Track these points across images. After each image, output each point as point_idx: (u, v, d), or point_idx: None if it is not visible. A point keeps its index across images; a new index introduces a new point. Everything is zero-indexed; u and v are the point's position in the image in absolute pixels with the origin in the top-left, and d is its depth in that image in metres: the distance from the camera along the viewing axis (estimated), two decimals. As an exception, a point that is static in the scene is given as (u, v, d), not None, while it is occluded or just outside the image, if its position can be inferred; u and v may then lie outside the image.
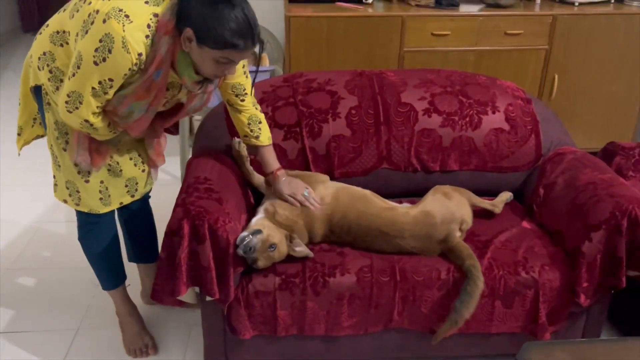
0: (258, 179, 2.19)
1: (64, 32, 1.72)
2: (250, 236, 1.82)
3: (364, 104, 2.29)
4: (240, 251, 1.80)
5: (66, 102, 1.66)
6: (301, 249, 1.93)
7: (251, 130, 2.00)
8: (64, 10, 1.76)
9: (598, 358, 1.28)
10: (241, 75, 1.91)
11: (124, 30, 1.54)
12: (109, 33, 1.55)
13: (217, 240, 1.79)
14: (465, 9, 3.31)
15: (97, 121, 1.70)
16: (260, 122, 2.01)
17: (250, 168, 2.19)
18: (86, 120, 1.68)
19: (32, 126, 2.01)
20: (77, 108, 1.65)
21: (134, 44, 1.56)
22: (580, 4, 3.34)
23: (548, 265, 1.95)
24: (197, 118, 3.72)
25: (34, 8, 6.52)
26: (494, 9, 3.28)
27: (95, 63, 1.58)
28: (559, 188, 2.12)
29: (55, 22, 1.77)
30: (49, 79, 1.78)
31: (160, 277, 1.84)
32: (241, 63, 1.87)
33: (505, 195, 2.26)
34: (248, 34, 1.58)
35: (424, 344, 2.00)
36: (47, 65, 1.77)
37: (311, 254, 1.94)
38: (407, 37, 3.19)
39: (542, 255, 1.99)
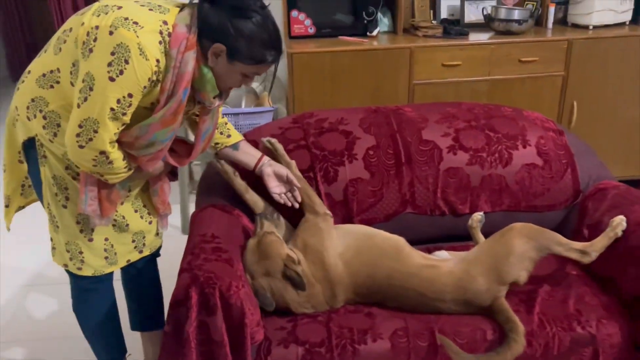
0: (252, 195, 1.97)
1: (51, 71, 1.54)
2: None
3: (382, 143, 2.09)
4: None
5: (77, 135, 1.46)
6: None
7: (221, 133, 1.89)
8: (45, 51, 1.59)
9: None
10: None
11: (137, 37, 1.40)
12: (121, 43, 1.39)
13: (230, 310, 1.55)
14: (475, 37, 3.15)
15: (114, 151, 1.51)
16: (226, 123, 1.92)
17: (244, 183, 1.97)
18: (102, 153, 1.48)
19: (21, 194, 1.81)
20: (91, 139, 1.46)
21: (151, 49, 1.43)
22: (595, 27, 3.19)
23: (605, 318, 1.72)
24: (196, 163, 3.52)
25: (22, 56, 6.33)
26: (505, 36, 3.13)
27: (112, 79, 1.41)
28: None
29: (38, 65, 1.59)
30: (43, 127, 1.58)
31: (166, 354, 1.60)
32: None
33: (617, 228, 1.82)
34: (278, 45, 1.54)
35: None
36: (40, 112, 1.57)
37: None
38: (416, 70, 3.02)
39: (596, 306, 1.76)
